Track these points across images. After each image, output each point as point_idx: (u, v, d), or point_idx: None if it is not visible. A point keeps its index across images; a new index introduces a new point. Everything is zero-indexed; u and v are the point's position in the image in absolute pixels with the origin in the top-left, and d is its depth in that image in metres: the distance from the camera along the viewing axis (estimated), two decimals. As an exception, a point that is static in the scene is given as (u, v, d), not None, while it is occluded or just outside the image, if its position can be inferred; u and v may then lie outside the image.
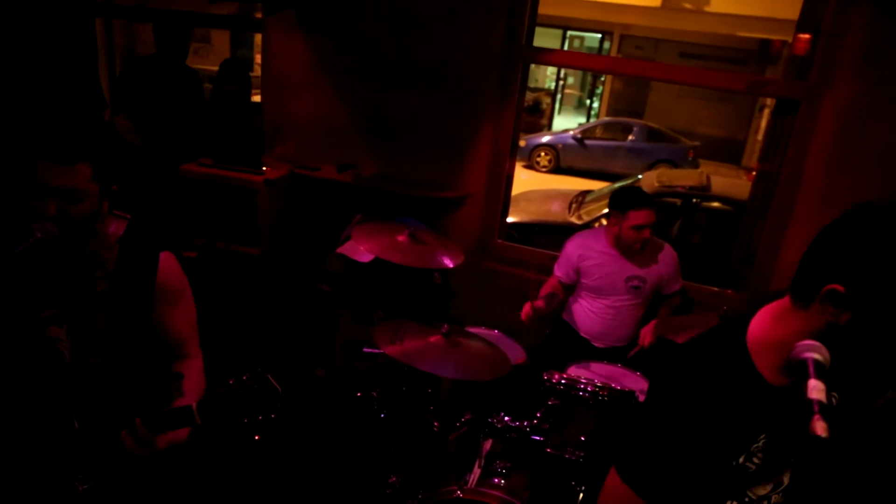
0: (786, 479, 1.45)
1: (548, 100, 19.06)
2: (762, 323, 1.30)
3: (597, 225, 6.19)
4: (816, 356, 1.03)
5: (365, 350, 2.79)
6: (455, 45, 3.55)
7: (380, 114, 3.79)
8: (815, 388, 0.99)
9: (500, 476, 2.32)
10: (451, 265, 2.77)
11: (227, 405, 1.46)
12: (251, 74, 4.11)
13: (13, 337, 1.57)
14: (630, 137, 13.59)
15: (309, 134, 3.95)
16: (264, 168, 3.62)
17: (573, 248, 3.11)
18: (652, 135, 13.68)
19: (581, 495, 2.37)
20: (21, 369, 1.59)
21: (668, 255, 3.07)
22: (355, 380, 3.31)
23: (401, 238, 2.76)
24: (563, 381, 2.40)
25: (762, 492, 1.43)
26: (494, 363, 2.43)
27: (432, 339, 2.45)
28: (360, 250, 3.13)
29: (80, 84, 3.93)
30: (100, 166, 1.55)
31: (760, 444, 1.32)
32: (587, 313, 3.13)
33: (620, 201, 2.94)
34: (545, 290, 3.10)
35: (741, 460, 1.32)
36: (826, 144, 3.18)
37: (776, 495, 1.46)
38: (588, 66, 4.08)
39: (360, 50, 3.72)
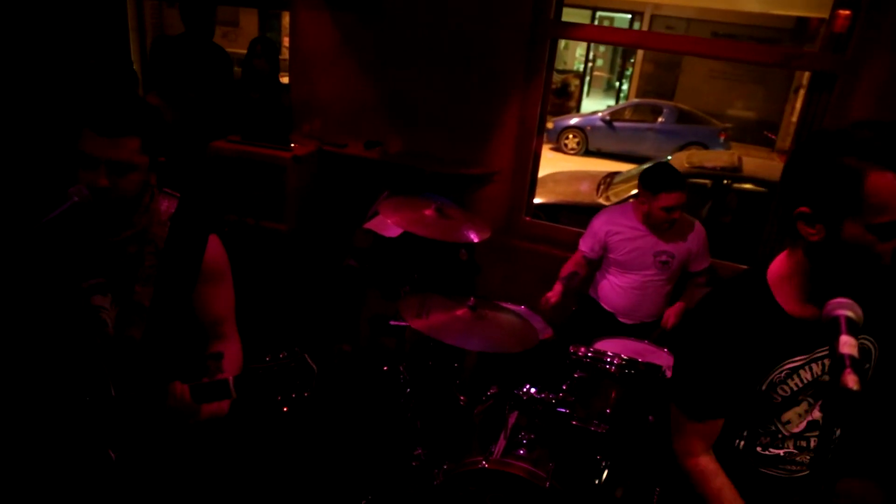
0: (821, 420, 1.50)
1: (576, 82, 18.84)
2: (779, 261, 1.48)
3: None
4: (849, 313, 1.05)
5: (391, 323, 2.81)
6: (482, 20, 3.53)
7: (406, 91, 3.80)
8: (847, 344, 1.01)
9: (525, 448, 2.33)
10: (476, 240, 2.77)
11: (264, 381, 1.48)
12: (279, 57, 4.15)
13: (56, 301, 1.61)
14: (660, 119, 13.38)
15: (336, 111, 3.97)
16: (292, 145, 3.65)
17: (601, 223, 3.09)
18: (682, 117, 13.45)
19: (606, 471, 2.37)
20: (63, 333, 1.62)
21: (697, 232, 3.04)
22: (382, 355, 3.34)
23: (428, 212, 2.76)
24: (589, 355, 2.39)
25: (795, 429, 1.52)
26: (522, 336, 2.43)
27: (459, 312, 2.45)
28: (388, 225, 3.15)
29: (114, 62, 3.99)
30: (148, 139, 1.57)
31: (783, 375, 1.44)
32: (614, 288, 3.12)
33: (651, 181, 2.90)
34: (568, 267, 3.10)
35: (764, 388, 1.45)
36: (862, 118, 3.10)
37: (815, 438, 1.51)
38: (616, 40, 4.02)
39: (387, 27, 3.72)
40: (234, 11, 15.83)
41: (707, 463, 1.53)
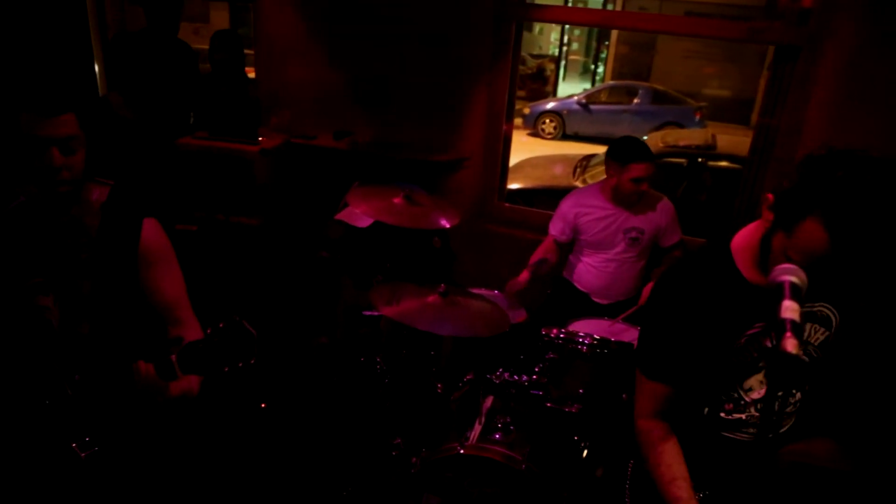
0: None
1: (552, 66, 18.86)
2: (745, 232, 1.51)
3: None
4: (793, 279, 1.06)
5: (364, 314, 2.79)
6: (446, 4, 3.51)
7: (374, 79, 3.76)
8: (789, 308, 1.02)
9: (501, 432, 2.33)
10: (447, 226, 2.75)
11: (206, 355, 1.46)
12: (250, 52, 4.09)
13: (2, 306, 1.58)
14: (635, 101, 13.42)
15: (304, 102, 3.93)
16: (260, 138, 3.60)
17: (569, 206, 3.09)
18: (657, 97, 13.50)
19: (586, 451, 2.38)
20: (11, 339, 1.60)
21: (664, 206, 3.05)
22: (359, 346, 3.33)
23: (396, 200, 2.74)
24: (561, 336, 2.39)
25: (756, 395, 1.56)
26: (493, 320, 2.42)
27: (430, 299, 2.44)
28: (358, 215, 3.12)
29: (72, 60, 3.91)
30: (83, 114, 1.54)
31: (744, 342, 1.47)
32: (587, 269, 3.13)
33: (620, 152, 2.91)
34: (537, 254, 3.09)
35: (726, 354, 1.48)
36: (827, 92, 3.13)
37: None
38: (582, 20, 4.01)
39: (352, 14, 3.68)
40: (204, 7, 15.62)
41: (654, 425, 1.56)
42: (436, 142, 3.73)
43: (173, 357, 1.48)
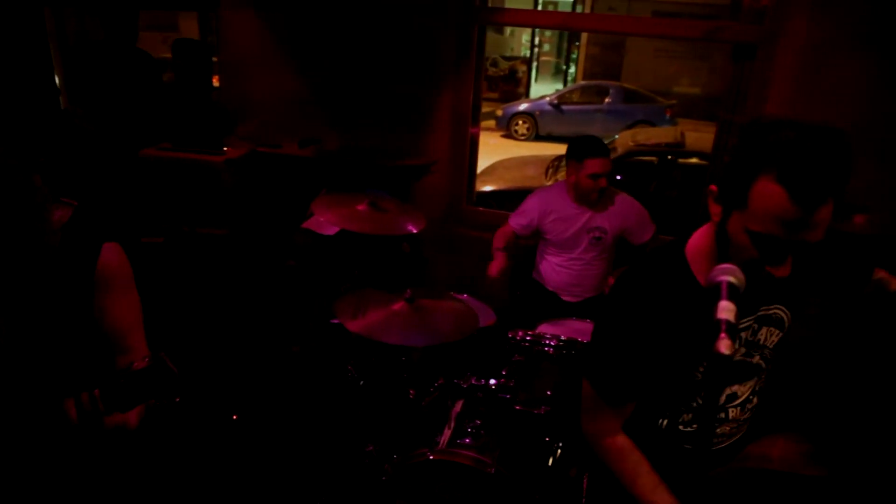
0: (741, 392, 1.52)
1: (524, 68, 18.92)
2: (698, 235, 1.45)
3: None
4: (731, 279, 1.05)
5: (332, 322, 2.78)
6: (409, 9, 3.51)
7: (339, 86, 3.75)
8: (724, 309, 1.01)
9: (471, 436, 2.32)
10: (414, 231, 2.75)
11: (127, 389, 1.42)
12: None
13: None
14: (607, 100, 13.53)
15: (270, 111, 3.91)
16: (225, 148, 3.57)
17: (534, 204, 3.11)
18: (628, 96, 13.63)
19: (559, 451, 2.38)
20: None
21: (627, 205, 3.08)
22: (330, 354, 3.31)
23: (360, 207, 2.73)
24: (527, 338, 2.40)
25: (720, 401, 1.50)
26: (461, 324, 2.42)
27: (396, 306, 2.43)
28: (325, 223, 3.11)
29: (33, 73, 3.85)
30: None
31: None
32: (554, 268, 3.15)
33: (576, 150, 2.95)
34: (499, 241, 3.10)
35: (685, 365, 1.43)
36: (784, 88, 3.17)
37: (734, 409, 1.53)
38: (542, 23, 4.05)
39: (313, 21, 3.67)
40: (172, 16, 15.45)
41: (623, 441, 1.51)
42: (402, 147, 3.72)
43: (97, 392, 1.44)
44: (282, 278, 3.57)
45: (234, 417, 3.09)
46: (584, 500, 1.81)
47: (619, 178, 7.14)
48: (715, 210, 1.33)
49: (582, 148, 2.93)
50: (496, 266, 2.95)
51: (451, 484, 2.28)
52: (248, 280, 3.62)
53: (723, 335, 0.96)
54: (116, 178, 3.47)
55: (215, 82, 4.13)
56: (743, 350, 1.49)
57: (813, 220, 1.16)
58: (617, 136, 8.34)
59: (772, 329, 1.50)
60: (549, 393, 2.37)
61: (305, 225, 3.33)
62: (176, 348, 1.88)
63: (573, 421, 2.40)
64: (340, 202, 2.78)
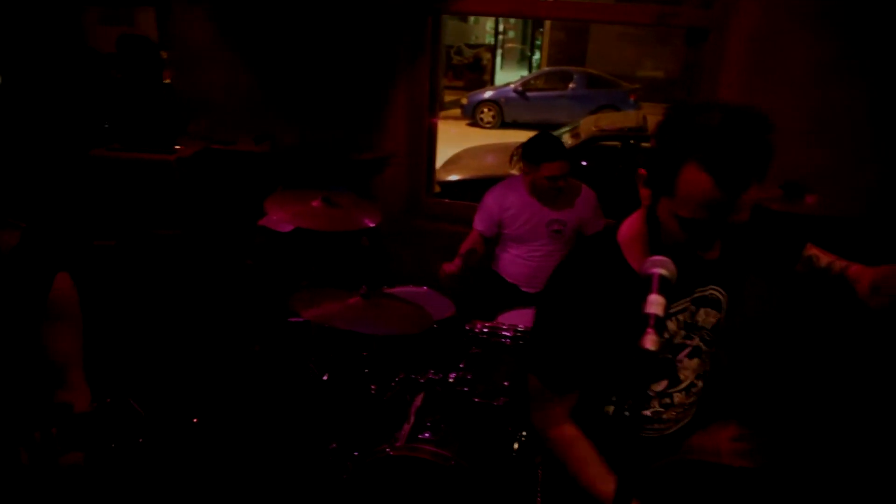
0: (684, 376, 1.52)
1: (488, 55, 18.91)
2: (630, 221, 1.47)
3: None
4: (662, 271, 1.04)
5: (290, 320, 2.74)
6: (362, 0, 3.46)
7: (293, 80, 3.70)
8: (653, 303, 1.00)
9: (430, 430, 2.31)
10: (371, 225, 2.73)
11: (86, 430, 1.37)
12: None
13: None
14: (571, 86, 13.58)
15: (224, 108, 3.83)
16: (177, 146, 3.50)
17: (492, 200, 3.09)
18: (592, 81, 13.69)
19: (520, 441, 2.38)
20: None
21: (585, 197, 3.07)
22: (290, 352, 3.28)
23: (315, 204, 2.70)
24: (484, 330, 2.39)
25: (658, 387, 1.54)
26: (417, 318, 2.41)
27: (352, 301, 2.42)
28: (280, 221, 3.07)
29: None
30: None
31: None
32: (514, 260, 3.14)
33: (532, 153, 2.90)
34: (466, 245, 3.09)
35: (626, 350, 1.38)
36: (736, 72, 3.20)
37: (679, 394, 1.53)
38: (494, 10, 4.02)
39: (267, 15, 3.60)
40: (128, 11, 15.10)
41: (570, 430, 1.51)
42: (360, 141, 3.68)
43: (54, 430, 1.39)
44: (239, 277, 3.52)
45: (195, 420, 3.05)
46: (539, 490, 1.81)
47: (584, 163, 7.20)
48: (644, 194, 1.35)
49: (538, 152, 2.88)
50: (449, 267, 2.92)
51: (412, 479, 2.28)
52: (205, 280, 3.56)
53: (649, 330, 0.96)
54: (64, 183, 3.38)
55: (167, 79, 4.03)
56: (683, 333, 1.50)
57: (738, 204, 1.20)
58: (581, 121, 8.37)
59: (709, 310, 1.52)
60: (506, 384, 2.36)
61: (261, 222, 3.28)
62: (135, 352, 1.84)
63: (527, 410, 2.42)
64: (294, 199, 2.75)
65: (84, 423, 1.38)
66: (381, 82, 3.56)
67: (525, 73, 18.69)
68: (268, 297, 3.49)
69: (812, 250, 1.52)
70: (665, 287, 1.02)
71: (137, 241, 3.44)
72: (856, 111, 3.07)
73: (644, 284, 1.02)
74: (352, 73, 3.58)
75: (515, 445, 2.36)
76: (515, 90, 13.74)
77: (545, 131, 3.07)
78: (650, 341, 0.94)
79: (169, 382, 3.09)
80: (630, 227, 1.46)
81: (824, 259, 1.51)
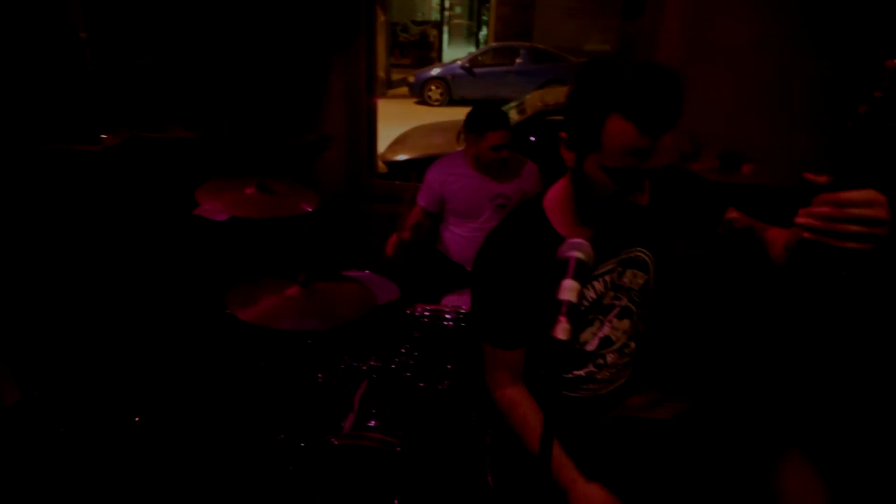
0: (616, 337, 1.59)
1: (435, 32, 18.72)
2: (556, 186, 1.53)
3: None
4: (579, 255, 1.02)
5: (227, 312, 2.66)
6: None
7: (227, 64, 3.56)
8: (567, 289, 0.97)
9: (376, 418, 2.28)
10: (308, 209, 2.66)
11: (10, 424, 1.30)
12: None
13: None
14: (518, 61, 13.54)
15: (153, 94, 3.68)
16: (103, 136, 3.35)
17: (434, 175, 3.06)
18: (538, 56, 13.67)
19: (467, 423, 2.37)
20: None
21: (529, 170, 3.06)
22: (233, 343, 3.20)
23: (248, 191, 2.62)
24: (426, 313, 2.36)
25: (590, 347, 1.58)
26: (358, 303, 2.36)
27: (290, 292, 2.35)
28: (212, 210, 2.96)
29: None
30: None
31: None
32: (458, 239, 3.11)
33: (475, 123, 2.89)
34: (411, 221, 3.05)
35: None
36: (673, 45, 3.20)
37: (611, 354, 1.60)
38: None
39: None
40: None
41: (513, 393, 1.54)
42: (297, 124, 3.58)
43: None
44: (175, 270, 3.41)
45: (137, 419, 2.96)
46: (487, 458, 1.81)
47: (532, 139, 7.19)
48: (569, 156, 1.40)
49: (482, 120, 2.86)
50: (391, 245, 2.89)
51: (359, 467, 2.25)
52: (140, 274, 3.44)
53: (562, 318, 0.93)
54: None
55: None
56: (612, 294, 1.55)
57: (659, 148, 1.26)
58: (526, 98, 8.35)
59: (636, 272, 1.56)
60: (449, 367, 2.34)
61: (196, 212, 3.17)
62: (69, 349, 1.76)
63: (477, 391, 2.41)
64: (227, 187, 2.65)
65: (10, 418, 1.31)
66: (316, 63, 3.47)
67: (472, 49, 18.56)
68: (206, 289, 3.40)
69: (732, 214, 1.54)
70: (581, 272, 1.00)
71: (67, 237, 3.30)
72: (789, 84, 3.11)
73: (560, 268, 1.00)
74: (286, 54, 3.47)
75: (460, 429, 2.35)
76: (462, 67, 13.64)
77: (486, 104, 3.04)
78: (562, 331, 0.92)
79: (109, 380, 2.99)
80: (555, 193, 1.52)
81: (743, 222, 1.53)
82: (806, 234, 1.03)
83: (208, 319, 3.27)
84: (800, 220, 1.04)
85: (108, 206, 3.38)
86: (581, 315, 1.51)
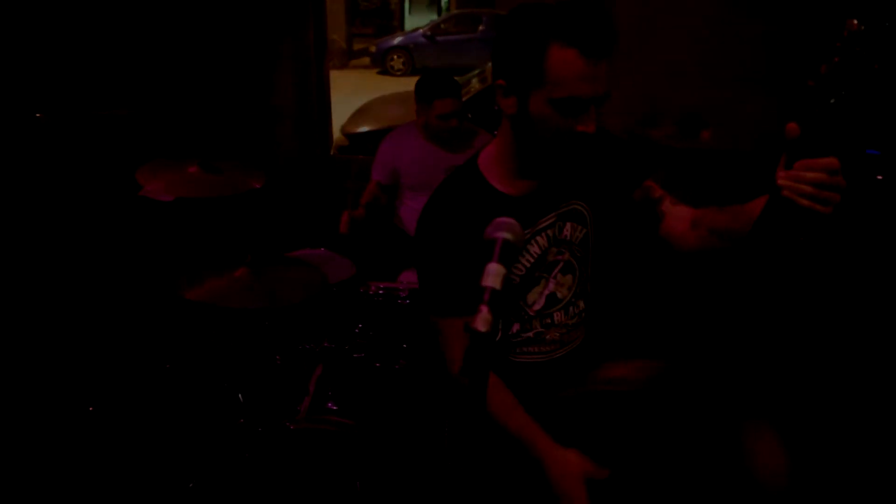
0: (561, 294, 1.56)
1: (396, 0, 18.37)
2: (492, 143, 1.52)
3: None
4: (507, 235, 0.95)
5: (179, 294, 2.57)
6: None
7: (166, 35, 3.40)
8: (491, 274, 0.90)
9: (332, 400, 2.23)
10: (257, 186, 2.56)
11: None
12: None
13: None
14: (480, 28, 13.37)
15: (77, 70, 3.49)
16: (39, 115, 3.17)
17: (387, 148, 2.98)
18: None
19: (423, 401, 2.33)
20: None
21: (482, 141, 2.98)
22: (192, 328, 3.11)
23: (192, 170, 2.51)
24: (380, 291, 2.30)
25: (537, 307, 1.54)
26: (306, 282, 2.28)
27: (237, 273, 2.26)
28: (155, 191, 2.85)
29: None
30: None
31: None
32: (414, 214, 3.01)
33: (424, 91, 2.80)
34: (366, 196, 2.97)
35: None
36: (626, 7, 3.15)
37: (558, 313, 1.56)
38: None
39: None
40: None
41: None
42: (244, 98, 3.45)
43: None
44: (122, 253, 3.29)
45: (91, 409, 2.88)
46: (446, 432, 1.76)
47: (496, 108, 7.12)
48: (508, 102, 1.38)
49: (430, 88, 2.78)
50: (343, 222, 2.80)
51: (317, 451, 2.20)
52: (83, 260, 3.30)
53: (482, 308, 0.85)
54: None
55: None
56: (555, 250, 1.52)
57: (600, 75, 1.29)
58: (488, 66, 8.24)
59: (575, 225, 1.54)
60: (404, 346, 2.29)
61: (141, 193, 3.04)
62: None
63: (433, 367, 2.36)
64: (169, 167, 2.54)
65: None
66: (262, 31, 3.33)
67: (434, 17, 18.26)
68: (155, 271, 3.29)
69: (650, 182, 1.51)
70: (508, 253, 0.93)
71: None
72: (743, 53, 3.11)
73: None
74: (232, 25, 3.32)
75: (418, 408, 2.31)
76: (424, 35, 13.43)
77: (435, 71, 2.96)
78: (482, 322, 0.84)
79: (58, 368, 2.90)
80: (492, 149, 1.51)
81: (658, 192, 1.51)
82: (803, 202, 1.00)
83: (158, 303, 3.18)
84: (784, 182, 1.02)
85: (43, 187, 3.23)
86: (527, 274, 1.49)
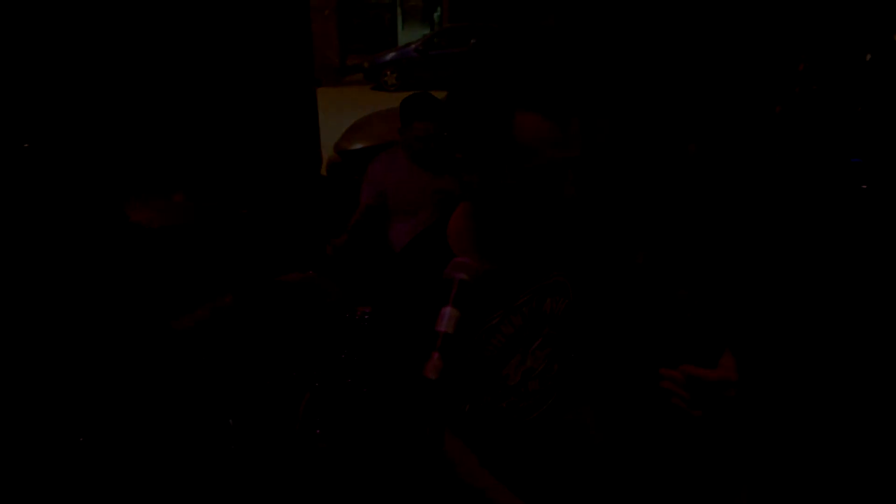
0: (536, 365, 1.44)
1: (389, 15, 18.47)
2: (457, 213, 1.35)
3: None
4: (464, 276, 0.92)
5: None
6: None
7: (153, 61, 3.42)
8: (445, 318, 0.87)
9: (321, 427, 2.23)
10: (244, 211, 2.58)
11: None
12: None
13: None
14: (472, 42, 13.42)
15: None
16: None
17: (376, 170, 2.97)
18: (494, 36, 13.56)
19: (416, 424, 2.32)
20: None
21: None
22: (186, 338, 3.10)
23: (178, 199, 2.52)
24: (365, 316, 2.30)
25: (512, 382, 1.42)
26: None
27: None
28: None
29: None
30: None
31: (485, 334, 1.31)
32: (402, 237, 3.03)
33: (404, 111, 2.80)
34: (354, 219, 2.97)
35: (475, 347, 1.31)
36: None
37: (533, 381, 1.45)
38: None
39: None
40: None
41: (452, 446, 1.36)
42: (227, 121, 3.45)
43: None
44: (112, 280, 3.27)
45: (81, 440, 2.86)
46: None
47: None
48: (471, 179, 1.22)
49: (409, 110, 2.78)
50: (329, 248, 2.80)
51: (311, 476, 2.20)
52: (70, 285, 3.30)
53: (434, 355, 0.84)
54: None
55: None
56: (533, 325, 1.40)
57: (571, 134, 1.17)
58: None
59: (556, 298, 1.42)
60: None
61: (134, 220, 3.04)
62: None
63: (421, 393, 2.35)
64: (154, 196, 2.55)
65: None
66: (249, 53, 3.33)
67: (428, 31, 18.36)
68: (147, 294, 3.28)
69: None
70: (464, 295, 0.90)
71: None
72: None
73: (443, 290, 0.91)
74: (216, 44, 3.33)
75: (408, 431, 2.30)
76: (417, 50, 13.49)
77: (422, 91, 2.95)
78: (432, 369, 0.83)
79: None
80: (457, 221, 1.35)
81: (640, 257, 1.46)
82: (676, 400, 1.09)
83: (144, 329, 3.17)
84: (665, 382, 1.11)
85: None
86: (501, 351, 1.37)
